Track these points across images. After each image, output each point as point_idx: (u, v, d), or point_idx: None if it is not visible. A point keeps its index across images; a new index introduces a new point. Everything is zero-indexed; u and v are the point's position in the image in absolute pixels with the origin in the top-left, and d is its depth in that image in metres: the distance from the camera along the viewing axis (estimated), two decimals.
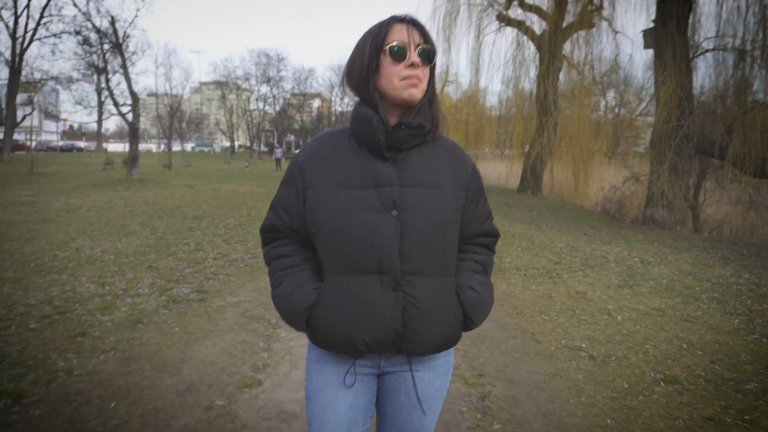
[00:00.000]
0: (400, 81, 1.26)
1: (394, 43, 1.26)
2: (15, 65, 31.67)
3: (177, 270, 5.74)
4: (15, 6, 31.29)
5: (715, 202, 15.33)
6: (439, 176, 1.33)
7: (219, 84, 56.14)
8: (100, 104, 54.13)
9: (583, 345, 3.85)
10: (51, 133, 61.34)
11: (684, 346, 3.87)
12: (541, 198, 18.11)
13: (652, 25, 12.08)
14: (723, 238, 11.70)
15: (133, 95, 18.45)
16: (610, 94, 18.03)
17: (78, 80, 31.91)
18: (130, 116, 19.12)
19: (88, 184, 15.64)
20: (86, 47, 17.86)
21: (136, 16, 40.10)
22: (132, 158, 18.05)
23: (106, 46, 16.70)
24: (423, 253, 1.28)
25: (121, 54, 17.50)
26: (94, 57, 18.01)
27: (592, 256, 7.49)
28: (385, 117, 1.30)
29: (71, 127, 67.61)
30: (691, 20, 11.73)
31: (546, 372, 3.35)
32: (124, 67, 17.67)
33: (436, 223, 1.29)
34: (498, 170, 23.18)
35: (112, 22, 17.37)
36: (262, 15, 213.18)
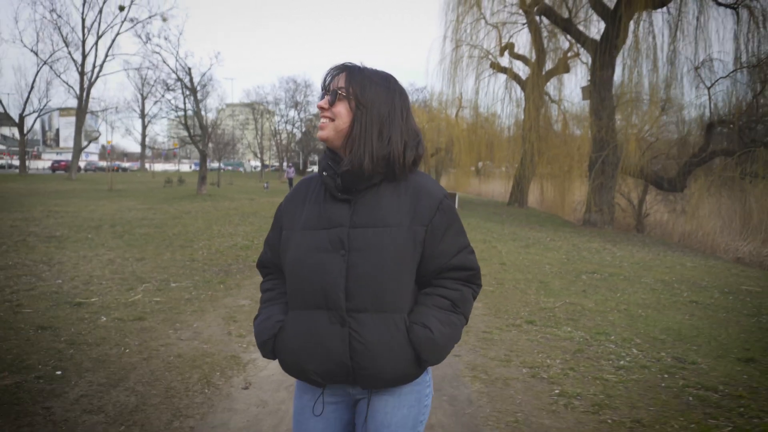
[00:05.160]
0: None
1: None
2: (83, 97, 37.63)
3: None
4: (83, 46, 37.40)
5: (657, 211, 20.15)
6: (395, 214, 1.36)
7: (248, 106, 62.07)
8: (144, 129, 60.97)
9: None
10: (93, 154, 68.07)
11: (520, 260, 8.71)
12: (525, 209, 22.88)
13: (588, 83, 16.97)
14: (664, 239, 16.14)
15: (203, 128, 23.75)
16: (584, 124, 22.90)
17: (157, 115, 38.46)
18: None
19: (170, 198, 20.40)
20: (168, 91, 23.25)
21: (209, 68, 47.24)
22: (202, 177, 23.22)
23: (186, 91, 22.00)
24: (370, 290, 1.32)
25: (195, 99, 22.85)
26: (173, 100, 23.43)
27: (521, 236, 12.26)
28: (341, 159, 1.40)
29: (103, 147, 74.65)
30: (618, 78, 16.54)
31: None
32: (197, 107, 23.02)
33: (385, 261, 1.33)
34: (498, 186, 28.39)
35: (189, 72, 22.76)
36: (288, 43, 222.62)
